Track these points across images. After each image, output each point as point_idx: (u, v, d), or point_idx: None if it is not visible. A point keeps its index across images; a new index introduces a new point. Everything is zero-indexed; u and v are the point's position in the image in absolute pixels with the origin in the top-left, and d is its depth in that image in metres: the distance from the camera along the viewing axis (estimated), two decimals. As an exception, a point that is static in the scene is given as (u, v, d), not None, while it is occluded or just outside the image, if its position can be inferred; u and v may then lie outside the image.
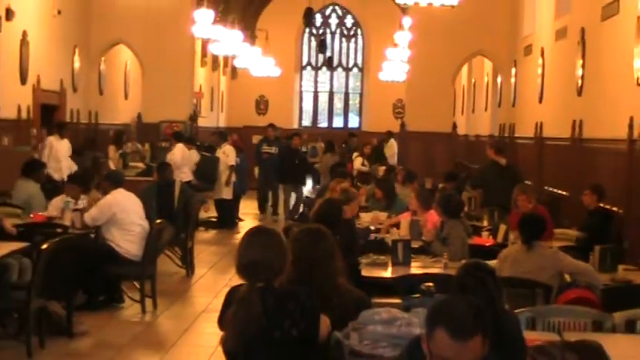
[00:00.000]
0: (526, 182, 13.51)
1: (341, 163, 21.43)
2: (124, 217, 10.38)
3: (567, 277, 7.58)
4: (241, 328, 4.78)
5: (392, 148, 26.85)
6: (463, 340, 3.49)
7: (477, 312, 3.61)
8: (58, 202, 11.19)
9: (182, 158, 17.83)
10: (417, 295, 6.28)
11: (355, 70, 37.97)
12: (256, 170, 20.91)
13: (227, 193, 18.66)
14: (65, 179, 14.12)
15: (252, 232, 5.10)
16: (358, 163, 22.19)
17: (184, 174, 17.37)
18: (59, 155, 16.44)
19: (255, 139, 24.90)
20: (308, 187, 23.19)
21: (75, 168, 15.97)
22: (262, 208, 21.15)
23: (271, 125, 21.58)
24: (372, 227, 11.07)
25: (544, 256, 7.54)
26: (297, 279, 5.28)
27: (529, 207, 10.48)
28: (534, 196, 10.99)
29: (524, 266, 7.42)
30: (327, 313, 4.97)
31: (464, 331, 3.51)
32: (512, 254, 7.69)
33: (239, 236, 13.49)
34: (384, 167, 19.63)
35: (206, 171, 18.73)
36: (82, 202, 11.01)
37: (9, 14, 15.57)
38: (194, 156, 18.48)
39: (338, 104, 38.40)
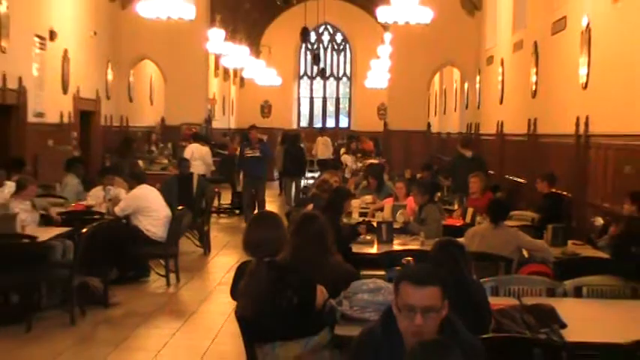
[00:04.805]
0: (489, 172, 13.54)
1: (336, 158, 21.34)
2: (148, 205, 10.36)
3: (525, 254, 7.57)
4: (253, 297, 4.78)
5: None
6: (423, 285, 3.51)
7: (434, 269, 3.71)
8: (96, 192, 11.33)
9: (192, 153, 16.98)
10: (399, 268, 6.26)
11: (344, 78, 37.90)
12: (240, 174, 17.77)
13: None
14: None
15: (257, 216, 5.14)
16: (349, 160, 21.31)
17: (198, 167, 16.75)
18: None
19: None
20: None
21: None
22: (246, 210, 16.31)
23: (253, 127, 17.05)
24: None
25: (507, 233, 7.54)
26: (295, 255, 5.28)
27: (478, 191, 10.67)
28: (484, 183, 11.06)
29: (490, 241, 7.40)
30: (322, 284, 4.96)
31: (423, 278, 3.54)
32: (480, 231, 7.69)
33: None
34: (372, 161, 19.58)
35: (223, 167, 18.69)
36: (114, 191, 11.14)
37: (52, 35, 15.62)
38: (205, 152, 17.65)
39: (330, 108, 38.35)
